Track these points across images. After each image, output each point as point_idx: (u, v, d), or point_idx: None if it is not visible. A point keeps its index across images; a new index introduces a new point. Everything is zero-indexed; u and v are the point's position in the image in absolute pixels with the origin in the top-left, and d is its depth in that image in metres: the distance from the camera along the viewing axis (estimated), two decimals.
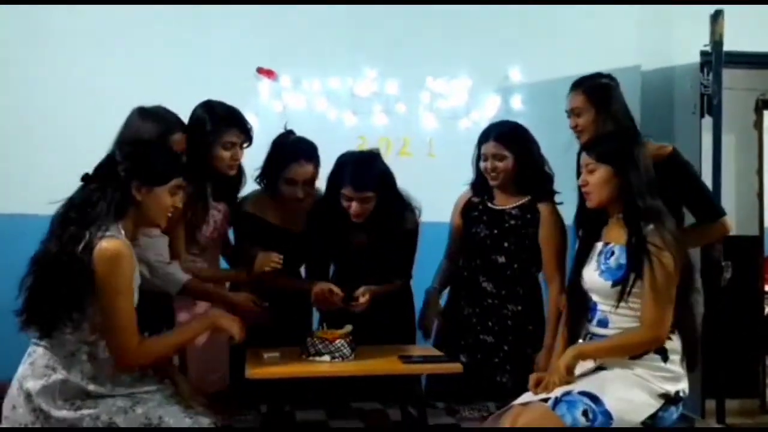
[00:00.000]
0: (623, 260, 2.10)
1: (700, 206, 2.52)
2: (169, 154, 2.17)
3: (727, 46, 3.24)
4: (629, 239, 2.09)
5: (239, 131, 2.53)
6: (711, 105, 3.31)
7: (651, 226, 2.07)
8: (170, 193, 2.09)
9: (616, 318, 2.11)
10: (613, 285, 2.10)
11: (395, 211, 2.67)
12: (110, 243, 1.93)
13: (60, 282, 1.94)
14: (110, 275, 1.93)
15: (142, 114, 2.37)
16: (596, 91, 2.51)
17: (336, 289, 2.53)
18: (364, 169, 2.62)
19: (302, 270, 2.81)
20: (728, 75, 3.36)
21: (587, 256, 2.22)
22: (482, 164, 2.67)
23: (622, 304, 2.10)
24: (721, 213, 2.54)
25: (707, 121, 3.37)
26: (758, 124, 4.83)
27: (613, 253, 2.14)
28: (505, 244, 2.66)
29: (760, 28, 3.52)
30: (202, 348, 2.47)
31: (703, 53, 3.39)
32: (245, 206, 2.67)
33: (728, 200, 3.86)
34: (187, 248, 2.50)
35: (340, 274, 2.78)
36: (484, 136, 2.68)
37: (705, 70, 3.39)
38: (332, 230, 2.66)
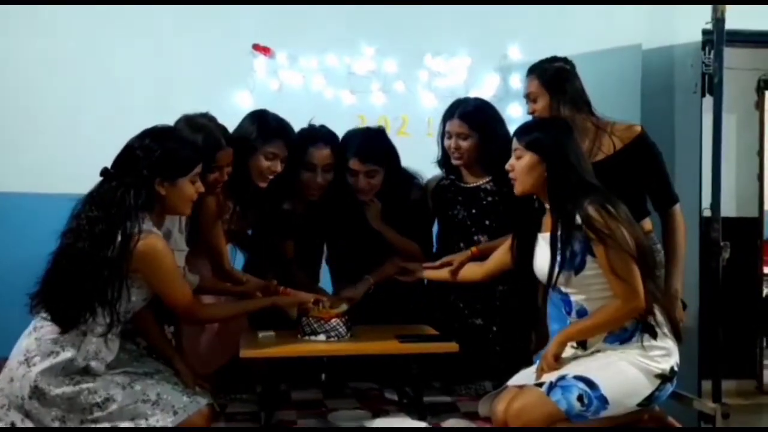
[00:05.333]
0: (575, 247, 2.07)
1: (657, 190, 2.51)
2: (187, 144, 2.16)
3: (730, 24, 3.20)
4: (560, 225, 2.07)
5: (285, 145, 2.49)
6: (712, 84, 3.28)
7: (586, 203, 2.04)
8: (192, 181, 2.12)
9: (593, 304, 2.10)
10: (576, 272, 2.08)
11: (401, 190, 2.67)
12: (147, 241, 2.00)
13: (89, 281, 1.97)
14: (157, 269, 2.04)
15: (191, 125, 2.31)
16: (550, 76, 2.50)
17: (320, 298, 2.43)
18: (370, 142, 2.64)
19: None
20: (730, 55, 3.32)
21: (532, 247, 2.22)
22: (446, 142, 2.65)
23: (594, 287, 2.08)
24: (675, 200, 2.53)
25: (708, 101, 3.33)
26: (759, 105, 4.81)
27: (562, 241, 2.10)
28: (486, 222, 2.64)
29: (763, 6, 3.46)
30: (197, 330, 2.47)
31: (704, 32, 3.34)
32: (282, 204, 2.64)
33: (728, 182, 3.85)
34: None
35: (339, 258, 2.76)
36: (449, 114, 2.66)
37: (706, 49, 3.34)
38: (338, 210, 2.65)
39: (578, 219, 2.04)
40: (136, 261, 1.99)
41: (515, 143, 2.20)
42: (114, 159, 2.09)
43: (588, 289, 2.10)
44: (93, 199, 2.04)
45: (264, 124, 2.50)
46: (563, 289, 2.13)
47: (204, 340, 2.47)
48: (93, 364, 1.99)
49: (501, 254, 2.39)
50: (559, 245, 2.07)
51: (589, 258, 2.06)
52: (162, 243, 2.06)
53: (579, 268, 2.08)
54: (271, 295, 2.42)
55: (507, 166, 2.22)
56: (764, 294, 4.93)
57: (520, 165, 2.17)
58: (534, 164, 2.14)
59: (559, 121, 2.34)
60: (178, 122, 2.34)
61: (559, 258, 2.07)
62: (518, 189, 2.20)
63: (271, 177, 2.49)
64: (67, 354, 1.97)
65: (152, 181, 2.05)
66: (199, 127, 2.31)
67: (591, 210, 2.03)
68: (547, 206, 2.18)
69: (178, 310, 2.15)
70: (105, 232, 1.98)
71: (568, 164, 2.11)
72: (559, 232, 2.08)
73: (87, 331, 2.00)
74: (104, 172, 2.07)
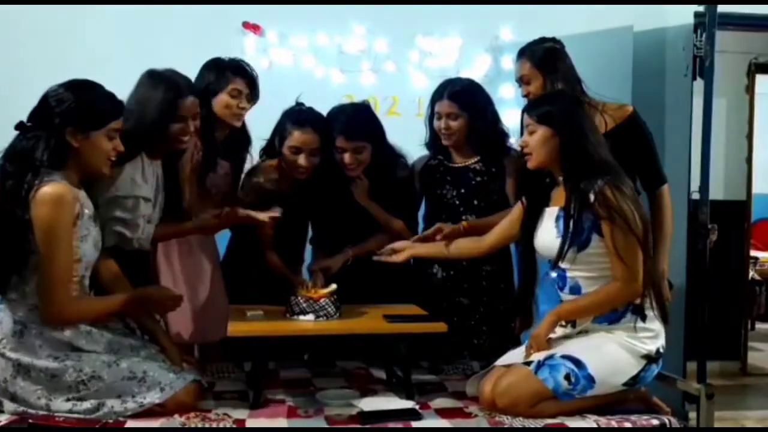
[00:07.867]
0: (584, 224, 2.06)
1: (646, 170, 2.51)
2: (103, 96, 2.06)
3: (721, 7, 3.20)
4: (573, 201, 2.06)
5: (244, 81, 2.53)
6: (703, 67, 3.28)
7: (600, 182, 2.04)
8: (108, 137, 2.03)
9: (589, 282, 2.11)
10: (580, 250, 2.08)
11: (387, 167, 2.66)
12: (52, 187, 1.90)
13: (3, 239, 1.90)
14: (49, 220, 1.88)
15: (153, 77, 2.28)
16: (540, 56, 2.50)
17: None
18: (356, 119, 2.63)
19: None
20: (721, 38, 3.33)
21: (537, 221, 2.21)
22: (436, 123, 2.65)
23: (594, 266, 2.09)
24: (663, 180, 2.54)
25: (699, 84, 3.34)
26: (749, 89, 4.83)
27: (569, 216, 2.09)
28: (475, 202, 2.65)
29: None
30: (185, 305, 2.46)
31: (696, 14, 3.35)
32: (256, 176, 2.63)
33: (717, 165, 3.87)
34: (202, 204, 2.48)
35: (323, 236, 2.76)
36: (438, 94, 2.65)
37: (698, 32, 3.34)
38: (325, 187, 2.64)
39: (591, 197, 2.03)
40: (34, 207, 1.88)
41: (526, 119, 2.19)
42: (30, 111, 2.00)
43: (587, 267, 2.10)
44: (7, 153, 1.96)
45: (219, 67, 2.54)
46: (561, 264, 2.13)
47: (192, 319, 2.46)
48: (67, 333, 1.96)
49: (505, 227, 2.35)
50: (571, 221, 2.06)
51: (594, 236, 2.06)
52: (70, 195, 1.91)
53: (583, 246, 2.07)
54: (226, 218, 2.38)
55: (520, 143, 2.21)
56: (750, 276, 4.98)
57: (534, 139, 2.15)
58: (547, 137, 2.13)
59: (567, 94, 2.34)
60: (141, 76, 2.30)
61: (570, 234, 2.06)
62: (532, 163, 2.17)
63: (243, 113, 2.53)
64: (32, 329, 1.95)
65: (63, 131, 1.95)
66: (159, 77, 2.28)
67: (606, 189, 2.02)
68: (560, 179, 2.16)
69: (44, 289, 1.92)
70: (13, 188, 1.90)
71: (581, 134, 2.10)
72: (572, 206, 2.06)
73: (35, 304, 1.95)
74: (19, 125, 1.98)
